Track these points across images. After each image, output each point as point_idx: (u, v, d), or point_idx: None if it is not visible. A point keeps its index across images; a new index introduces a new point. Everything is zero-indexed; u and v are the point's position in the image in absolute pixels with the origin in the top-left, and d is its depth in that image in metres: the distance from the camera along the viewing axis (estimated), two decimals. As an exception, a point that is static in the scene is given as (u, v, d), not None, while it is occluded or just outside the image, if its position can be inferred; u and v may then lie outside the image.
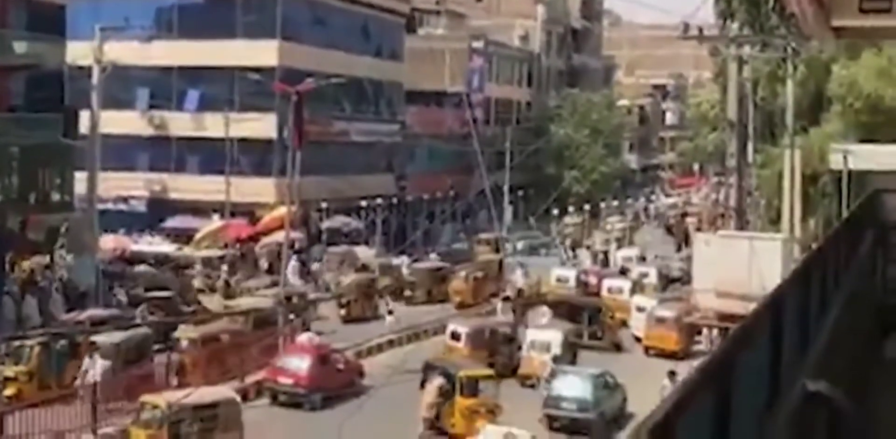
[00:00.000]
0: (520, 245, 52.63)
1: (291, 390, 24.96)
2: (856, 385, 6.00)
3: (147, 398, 20.75)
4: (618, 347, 32.42)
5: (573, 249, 52.56)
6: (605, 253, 50.63)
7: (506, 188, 59.45)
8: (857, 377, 6.59)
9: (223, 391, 22.60)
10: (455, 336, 28.84)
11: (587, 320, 31.97)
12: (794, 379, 4.47)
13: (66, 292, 33.52)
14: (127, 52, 37.61)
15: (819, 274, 6.07)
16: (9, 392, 22.47)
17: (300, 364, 25.27)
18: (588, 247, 52.26)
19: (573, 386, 23.83)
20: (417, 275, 40.49)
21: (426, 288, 39.55)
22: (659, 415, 2.23)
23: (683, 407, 2.39)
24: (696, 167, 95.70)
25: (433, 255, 47.43)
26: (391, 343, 32.21)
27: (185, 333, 26.33)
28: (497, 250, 49.26)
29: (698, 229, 54.84)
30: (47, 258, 34.71)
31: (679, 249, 54.06)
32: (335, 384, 25.64)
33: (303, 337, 28.18)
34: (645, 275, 41.88)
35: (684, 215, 71.95)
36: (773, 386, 4.23)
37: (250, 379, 26.05)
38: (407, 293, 39.37)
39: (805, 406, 4.16)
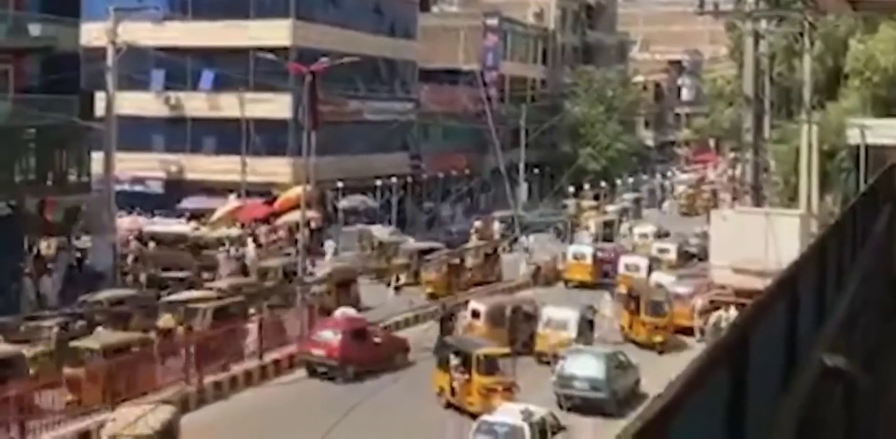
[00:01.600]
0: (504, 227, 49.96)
1: (324, 362, 25.68)
2: (872, 360, 5.99)
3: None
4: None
5: (572, 229, 50.97)
6: (607, 232, 49.32)
7: (521, 166, 59.38)
8: (874, 352, 6.59)
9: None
10: (475, 313, 28.91)
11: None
12: (811, 354, 4.48)
13: (84, 272, 33.79)
14: (141, 32, 37.65)
15: (835, 249, 6.06)
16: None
17: (332, 337, 25.97)
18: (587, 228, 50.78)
19: (586, 366, 23.83)
20: (404, 257, 39.17)
21: (413, 270, 37.38)
22: (672, 392, 2.24)
23: (698, 382, 2.40)
24: (711, 143, 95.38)
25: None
26: (407, 321, 32.30)
27: (86, 343, 23.15)
28: (511, 229, 49.25)
29: (714, 205, 54.80)
30: (65, 239, 34.97)
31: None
32: (371, 358, 25.82)
33: (337, 312, 28.72)
34: (665, 250, 41.82)
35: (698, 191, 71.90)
36: (789, 361, 4.24)
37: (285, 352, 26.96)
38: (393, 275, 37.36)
39: (822, 380, 4.18)
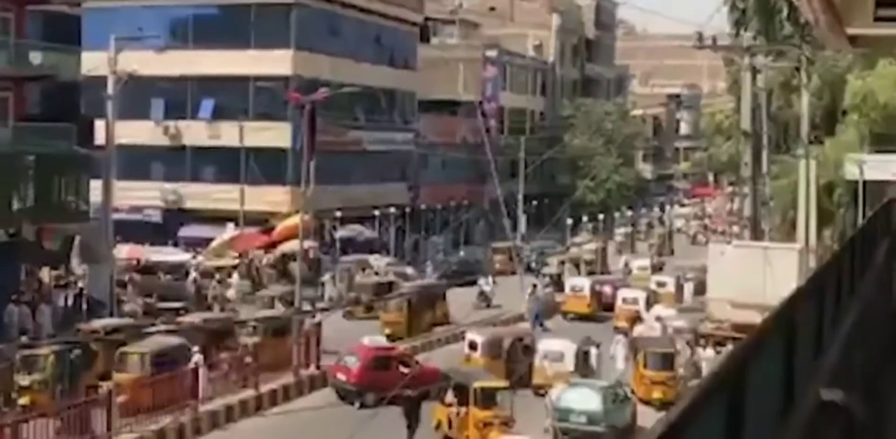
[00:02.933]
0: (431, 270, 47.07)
1: (345, 387, 26.01)
2: (871, 394, 5.95)
3: None
4: None
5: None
6: (558, 275, 44.24)
7: (520, 197, 59.43)
8: (872, 387, 6.55)
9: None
10: (472, 345, 28.75)
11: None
12: (808, 388, 4.45)
13: (82, 301, 33.67)
14: (142, 62, 37.79)
15: (834, 282, 6.04)
16: (23, 401, 22.51)
17: (354, 362, 26.34)
18: (537, 272, 45.16)
19: (583, 399, 23.64)
20: (360, 290, 38.23)
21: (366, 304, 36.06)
22: (667, 424, 2.20)
23: (693, 415, 2.37)
24: (710, 177, 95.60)
25: (429, 269, 46.71)
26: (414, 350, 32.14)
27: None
28: (510, 259, 49.19)
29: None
30: (63, 267, 34.88)
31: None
32: (395, 386, 25.51)
33: (365, 339, 28.68)
34: (663, 284, 41.73)
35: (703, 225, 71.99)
36: (786, 394, 4.20)
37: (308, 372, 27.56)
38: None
39: (819, 415, 4.14)
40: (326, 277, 41.39)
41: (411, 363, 26.85)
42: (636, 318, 34.41)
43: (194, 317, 30.44)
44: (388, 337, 31.95)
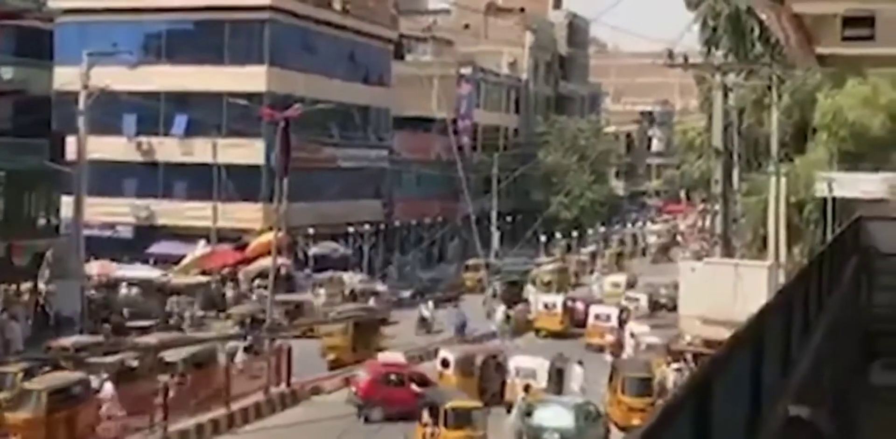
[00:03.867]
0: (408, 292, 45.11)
1: (353, 399, 26.20)
2: (839, 410, 6.00)
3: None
4: None
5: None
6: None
7: (493, 214, 59.51)
8: (841, 403, 6.59)
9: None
10: (444, 363, 28.66)
11: None
12: (776, 404, 4.48)
13: (52, 318, 33.39)
14: (115, 77, 37.68)
15: (801, 298, 6.09)
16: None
17: (363, 376, 26.61)
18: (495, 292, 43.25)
19: (555, 416, 23.60)
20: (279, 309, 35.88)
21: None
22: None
23: (661, 431, 2.38)
24: (682, 194, 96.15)
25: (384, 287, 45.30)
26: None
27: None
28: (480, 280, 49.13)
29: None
30: (32, 283, 34.59)
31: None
32: (404, 403, 25.30)
33: (381, 354, 29.00)
34: (634, 300, 41.86)
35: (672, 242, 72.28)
36: (754, 410, 4.23)
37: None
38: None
39: (787, 430, 4.17)
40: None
41: (429, 382, 26.56)
42: (609, 334, 34.51)
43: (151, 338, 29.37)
44: (332, 362, 30.96)
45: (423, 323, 38.39)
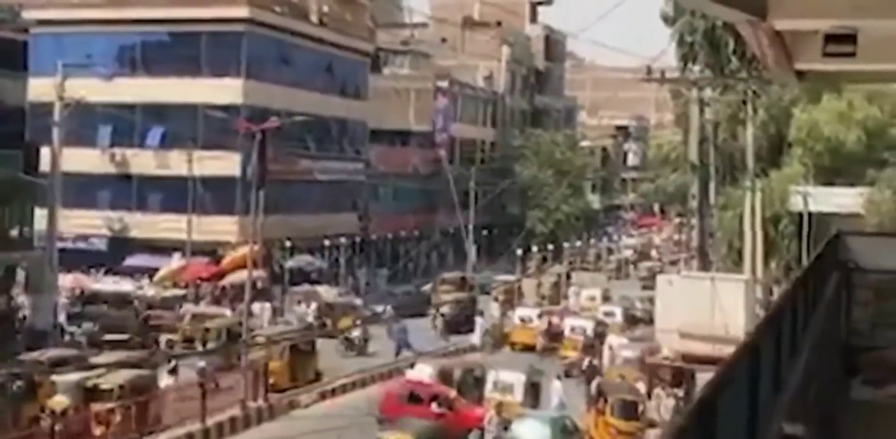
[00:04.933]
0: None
1: (374, 412, 25.81)
2: (824, 426, 5.99)
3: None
4: None
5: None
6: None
7: (470, 227, 59.49)
8: (825, 418, 6.59)
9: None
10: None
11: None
12: (770, 421, 4.46)
13: (25, 331, 33.04)
14: (90, 88, 37.46)
15: (789, 317, 6.10)
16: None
17: (383, 394, 26.56)
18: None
19: (532, 430, 23.54)
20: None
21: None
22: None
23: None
24: (656, 208, 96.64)
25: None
26: (354, 384, 31.87)
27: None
28: (462, 289, 48.98)
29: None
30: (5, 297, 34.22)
31: None
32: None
33: (410, 372, 28.65)
34: (610, 314, 41.90)
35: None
36: (750, 429, 4.20)
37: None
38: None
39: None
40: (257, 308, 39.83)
41: (453, 404, 26.00)
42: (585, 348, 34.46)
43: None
44: (272, 386, 28.78)
45: (348, 343, 36.01)
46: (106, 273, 43.96)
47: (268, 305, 39.75)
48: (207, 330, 34.54)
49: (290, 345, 30.59)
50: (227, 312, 37.62)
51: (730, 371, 3.63)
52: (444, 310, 41.73)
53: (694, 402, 2.88)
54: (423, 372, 28.42)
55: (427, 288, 48.74)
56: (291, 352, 30.38)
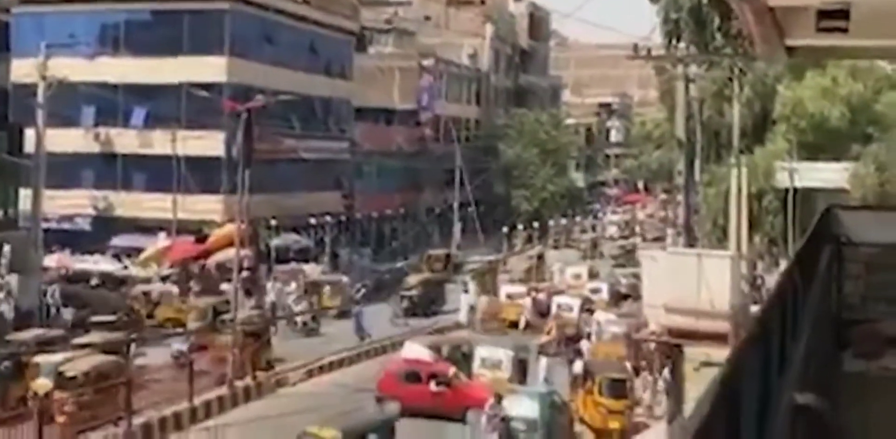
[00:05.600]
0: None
1: (375, 393, 25.54)
2: (823, 398, 6.07)
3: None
4: None
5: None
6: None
7: (455, 205, 59.57)
8: (822, 390, 6.68)
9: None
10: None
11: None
12: (780, 395, 4.53)
13: (10, 311, 32.94)
14: (73, 68, 37.20)
15: (791, 293, 6.16)
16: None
17: (380, 371, 26.51)
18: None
19: (520, 406, 23.69)
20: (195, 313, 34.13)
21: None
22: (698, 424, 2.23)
23: (708, 425, 2.41)
24: (640, 184, 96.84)
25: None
26: (342, 362, 31.98)
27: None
28: (445, 268, 49.04)
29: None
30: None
31: None
32: (420, 401, 25.01)
33: (407, 349, 28.43)
34: (597, 290, 42.09)
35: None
36: (763, 403, 4.26)
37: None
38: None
39: (794, 419, 4.22)
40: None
41: (452, 382, 25.99)
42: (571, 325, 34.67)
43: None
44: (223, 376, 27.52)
45: (304, 327, 35.68)
46: (91, 253, 43.85)
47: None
48: (192, 309, 34.55)
49: (246, 332, 29.55)
50: (174, 289, 37.57)
51: (745, 350, 3.69)
52: (411, 292, 40.32)
53: (717, 383, 2.93)
54: (421, 351, 28.50)
55: (402, 264, 48.50)
56: (244, 339, 29.09)
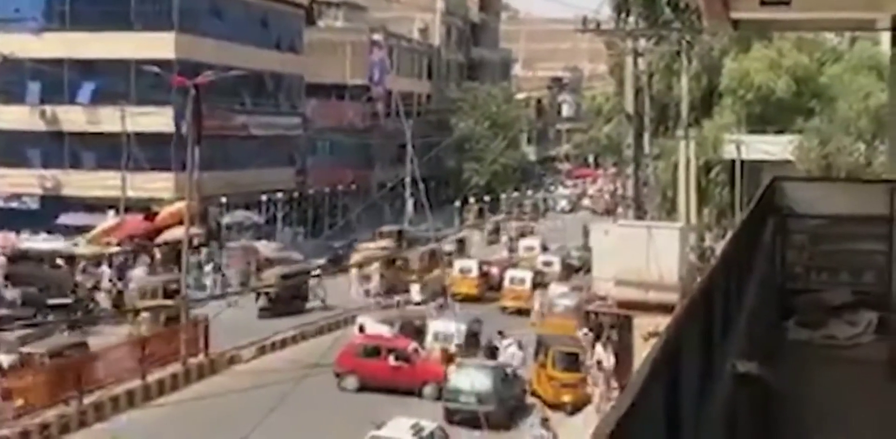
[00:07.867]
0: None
1: (335, 368, 26.32)
2: (766, 366, 6.25)
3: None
4: None
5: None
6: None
7: (407, 180, 59.48)
8: (766, 358, 6.86)
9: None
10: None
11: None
12: (722, 362, 4.65)
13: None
14: (18, 44, 36.59)
15: (735, 263, 6.31)
16: None
17: (333, 346, 26.71)
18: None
19: (472, 379, 23.92)
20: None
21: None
22: (616, 415, 2.31)
23: (641, 399, 2.49)
24: (591, 158, 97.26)
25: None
26: (294, 338, 32.01)
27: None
28: (400, 245, 49.02)
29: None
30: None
31: None
32: (379, 375, 25.67)
33: (369, 327, 28.72)
34: (549, 263, 42.41)
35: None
36: (705, 370, 4.38)
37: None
38: None
39: (736, 386, 4.34)
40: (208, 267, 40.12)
41: (409, 357, 26.38)
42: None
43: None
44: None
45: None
46: (38, 232, 43.29)
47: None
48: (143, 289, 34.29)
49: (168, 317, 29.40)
50: (106, 270, 37.17)
51: (686, 319, 3.79)
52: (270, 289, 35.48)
53: (657, 351, 3.03)
54: (380, 327, 28.74)
55: (339, 244, 47.88)
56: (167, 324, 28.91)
